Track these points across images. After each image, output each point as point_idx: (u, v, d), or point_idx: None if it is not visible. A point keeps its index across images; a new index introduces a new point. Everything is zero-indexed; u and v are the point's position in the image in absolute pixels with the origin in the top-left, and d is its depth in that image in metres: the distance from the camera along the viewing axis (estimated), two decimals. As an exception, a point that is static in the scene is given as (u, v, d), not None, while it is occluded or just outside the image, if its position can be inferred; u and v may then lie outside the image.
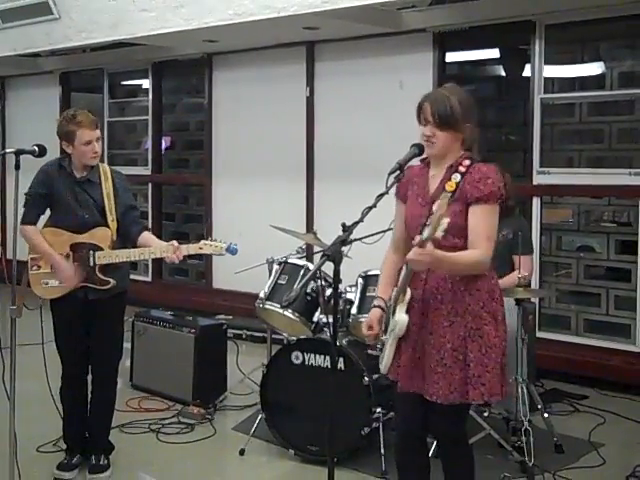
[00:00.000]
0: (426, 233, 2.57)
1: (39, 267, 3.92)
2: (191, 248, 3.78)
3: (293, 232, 4.73)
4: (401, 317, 2.90)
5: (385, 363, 3.01)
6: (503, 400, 4.31)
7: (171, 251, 3.70)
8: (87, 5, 6.79)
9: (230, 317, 6.99)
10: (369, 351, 4.28)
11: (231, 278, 5.74)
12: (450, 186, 2.86)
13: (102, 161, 4.03)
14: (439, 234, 2.54)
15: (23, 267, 3.85)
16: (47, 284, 3.91)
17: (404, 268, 2.98)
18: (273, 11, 5.68)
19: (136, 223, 3.96)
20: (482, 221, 2.82)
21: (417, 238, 2.64)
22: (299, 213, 6.94)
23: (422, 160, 3.00)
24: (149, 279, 8.32)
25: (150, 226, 8.17)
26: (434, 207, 2.60)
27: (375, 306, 3.09)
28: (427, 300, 2.89)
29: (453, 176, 2.88)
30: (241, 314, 6.93)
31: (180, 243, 3.78)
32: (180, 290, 8.11)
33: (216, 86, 7.70)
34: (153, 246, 3.81)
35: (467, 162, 2.90)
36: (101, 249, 3.83)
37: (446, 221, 2.51)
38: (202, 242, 3.78)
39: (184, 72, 8.24)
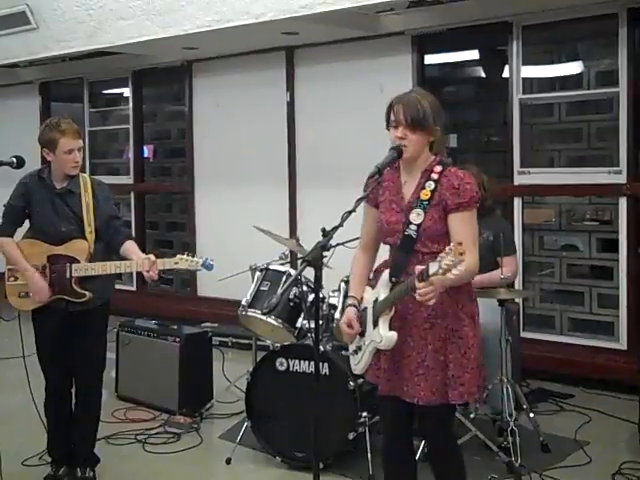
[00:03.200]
0: (434, 268, 2.50)
1: (16, 278, 3.89)
2: (167, 262, 3.74)
3: (275, 235, 4.74)
4: (389, 335, 2.85)
5: (362, 367, 3.02)
6: (489, 400, 4.36)
7: (147, 265, 3.65)
8: (65, 14, 6.75)
9: (216, 325, 6.97)
10: (343, 352, 4.26)
11: (216, 286, 5.72)
12: (425, 194, 2.85)
13: (84, 171, 4.01)
14: (451, 276, 2.47)
15: (0, 279, 3.83)
16: (23, 296, 3.89)
17: (381, 283, 2.94)
18: (251, 17, 5.67)
19: (118, 232, 3.93)
20: (465, 228, 2.81)
21: (418, 268, 2.60)
22: (282, 218, 6.93)
23: (391, 165, 2.93)
24: (134, 288, 8.26)
25: (133, 235, 8.13)
26: (447, 248, 2.46)
27: (349, 305, 3.06)
28: (405, 303, 2.87)
29: (427, 184, 2.87)
30: (227, 321, 6.88)
31: (162, 254, 3.76)
32: (165, 299, 8.06)
33: (196, 93, 7.68)
34: (131, 259, 3.78)
35: (439, 168, 2.88)
36: (77, 261, 3.81)
37: (462, 266, 2.44)
38: (178, 257, 3.75)
39: (164, 80, 8.21)
